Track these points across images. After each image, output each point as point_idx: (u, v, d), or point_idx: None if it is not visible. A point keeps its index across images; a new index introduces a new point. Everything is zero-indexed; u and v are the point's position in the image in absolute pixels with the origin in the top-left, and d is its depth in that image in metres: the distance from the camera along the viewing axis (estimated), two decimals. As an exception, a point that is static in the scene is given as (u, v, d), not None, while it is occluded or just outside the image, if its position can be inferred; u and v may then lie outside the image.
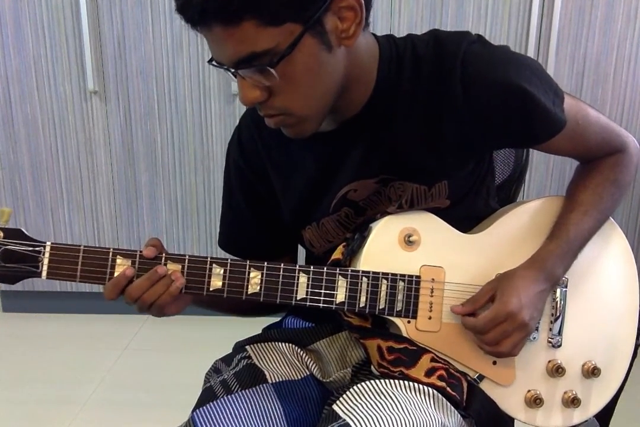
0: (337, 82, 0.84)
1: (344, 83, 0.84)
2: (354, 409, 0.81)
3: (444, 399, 0.86)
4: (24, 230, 0.83)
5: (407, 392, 0.84)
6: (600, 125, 0.97)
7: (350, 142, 0.92)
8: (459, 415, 0.86)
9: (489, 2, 2.14)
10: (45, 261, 0.83)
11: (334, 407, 0.83)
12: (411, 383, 0.86)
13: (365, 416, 0.79)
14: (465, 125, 0.87)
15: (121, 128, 2.31)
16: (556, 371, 0.94)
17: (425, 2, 2.14)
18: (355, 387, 0.85)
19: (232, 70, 0.79)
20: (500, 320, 0.86)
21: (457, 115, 0.87)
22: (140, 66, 2.24)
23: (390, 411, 0.79)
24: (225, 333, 1.09)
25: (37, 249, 0.83)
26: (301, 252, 1.09)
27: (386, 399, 0.82)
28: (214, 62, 0.82)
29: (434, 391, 0.86)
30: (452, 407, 0.86)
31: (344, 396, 0.85)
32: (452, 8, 2.15)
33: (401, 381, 0.86)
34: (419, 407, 0.81)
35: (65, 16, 2.19)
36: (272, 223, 1.03)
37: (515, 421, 0.96)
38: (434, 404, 0.84)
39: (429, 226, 0.92)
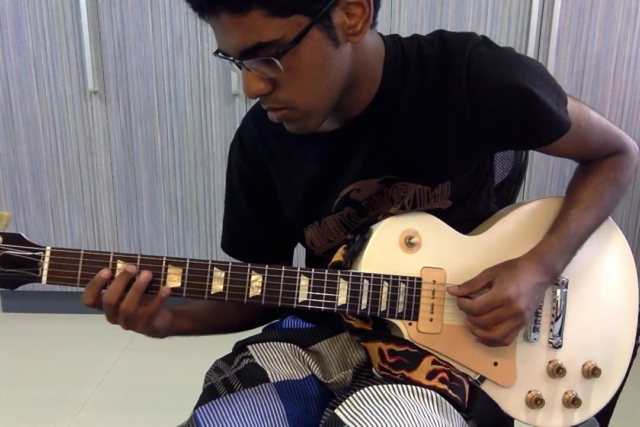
0: (342, 78, 0.83)
1: (349, 80, 0.84)
2: (357, 415, 0.81)
3: (447, 402, 0.85)
4: (23, 235, 0.82)
5: (409, 397, 0.84)
6: (602, 127, 0.97)
7: (354, 141, 0.92)
8: (461, 417, 0.86)
9: (489, 2, 2.14)
10: (45, 266, 0.82)
11: (337, 412, 0.83)
12: (413, 387, 0.86)
13: (369, 422, 0.78)
14: (469, 125, 0.87)
15: (121, 128, 2.31)
16: (557, 371, 0.94)
17: (425, 2, 2.14)
18: (357, 392, 0.85)
19: (238, 61, 0.79)
20: (496, 304, 0.86)
21: (462, 116, 0.87)
22: (140, 66, 2.24)
23: (394, 417, 0.79)
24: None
25: (37, 253, 0.82)
26: (302, 251, 1.09)
27: (389, 404, 0.82)
28: (220, 54, 0.81)
29: (436, 394, 0.86)
30: (455, 410, 0.85)
31: (347, 401, 0.84)
32: (452, 8, 2.15)
33: (403, 385, 0.86)
34: (422, 412, 0.81)
35: (65, 16, 2.19)
36: (273, 225, 1.03)
37: (515, 421, 0.96)
38: (436, 407, 0.84)
39: (429, 228, 0.92)
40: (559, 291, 0.96)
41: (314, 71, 0.80)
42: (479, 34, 0.89)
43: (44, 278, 0.82)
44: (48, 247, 0.82)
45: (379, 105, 0.89)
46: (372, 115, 0.89)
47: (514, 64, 0.86)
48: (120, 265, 0.83)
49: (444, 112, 0.87)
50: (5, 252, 0.81)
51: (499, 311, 0.86)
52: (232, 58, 0.79)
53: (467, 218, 0.98)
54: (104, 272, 0.82)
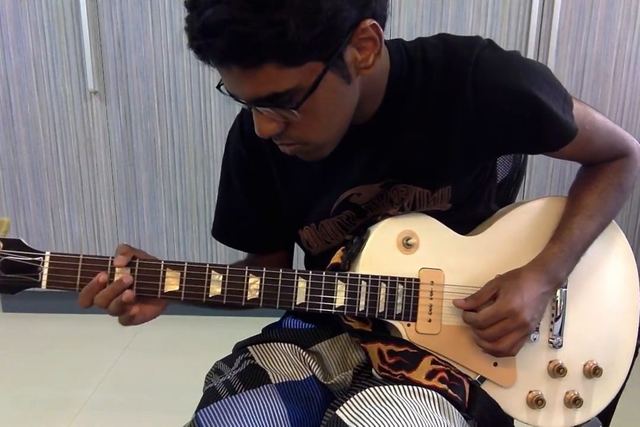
0: (354, 106, 0.83)
1: (359, 101, 0.84)
2: (359, 417, 0.81)
3: (447, 402, 0.86)
4: (23, 240, 0.84)
5: (411, 398, 0.84)
6: (606, 130, 0.97)
7: (358, 146, 0.91)
8: (462, 417, 0.86)
9: (489, 2, 2.14)
10: (45, 271, 0.83)
11: (338, 413, 0.83)
12: (414, 388, 0.86)
13: (371, 423, 0.79)
14: (475, 131, 0.87)
15: (121, 128, 2.31)
16: (557, 371, 0.94)
17: (425, 2, 2.14)
18: (359, 393, 0.85)
19: (250, 105, 0.78)
20: (501, 317, 0.87)
21: (467, 120, 0.86)
22: (140, 66, 2.24)
23: (396, 418, 0.79)
24: (225, 333, 1.09)
25: (36, 259, 0.83)
26: (301, 252, 1.09)
27: (391, 405, 0.82)
28: (224, 90, 0.79)
29: (437, 394, 0.86)
30: (455, 410, 0.86)
31: (348, 402, 0.85)
32: (452, 8, 2.14)
33: (404, 386, 0.86)
34: (423, 412, 0.82)
35: (65, 16, 2.19)
36: (270, 214, 1.02)
37: (515, 420, 0.96)
38: (438, 407, 0.84)
39: (427, 229, 0.92)
40: (558, 291, 0.95)
41: (328, 110, 0.80)
42: (486, 38, 0.88)
43: (44, 283, 0.84)
44: (47, 253, 0.84)
45: (384, 113, 0.88)
46: (377, 121, 0.89)
47: (520, 69, 0.86)
48: (118, 269, 0.84)
49: (449, 118, 0.87)
50: (6, 257, 0.83)
51: (504, 323, 0.87)
52: (242, 101, 0.77)
53: (466, 219, 0.98)
54: (102, 277, 0.83)
